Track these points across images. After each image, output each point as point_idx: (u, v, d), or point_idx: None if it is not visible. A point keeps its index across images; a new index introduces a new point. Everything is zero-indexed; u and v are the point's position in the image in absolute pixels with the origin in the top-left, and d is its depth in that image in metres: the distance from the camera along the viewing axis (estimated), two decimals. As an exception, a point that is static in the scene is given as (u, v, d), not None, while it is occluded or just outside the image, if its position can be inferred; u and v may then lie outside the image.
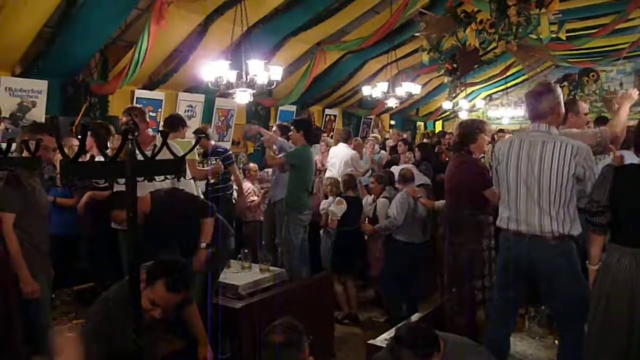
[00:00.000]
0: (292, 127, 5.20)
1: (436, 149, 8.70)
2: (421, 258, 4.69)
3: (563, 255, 2.65)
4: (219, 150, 5.42)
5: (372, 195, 5.18)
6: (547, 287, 2.71)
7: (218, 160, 5.20)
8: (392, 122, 13.56)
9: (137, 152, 1.66)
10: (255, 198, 5.95)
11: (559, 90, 2.87)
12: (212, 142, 5.56)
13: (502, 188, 2.86)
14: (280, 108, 9.60)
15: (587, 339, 2.59)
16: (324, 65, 8.64)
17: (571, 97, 12.06)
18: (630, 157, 2.72)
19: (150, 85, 7.23)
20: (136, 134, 1.66)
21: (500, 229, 2.90)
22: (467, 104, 12.37)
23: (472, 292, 3.41)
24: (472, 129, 3.62)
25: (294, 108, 9.97)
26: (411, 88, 8.53)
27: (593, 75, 11.92)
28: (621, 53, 10.90)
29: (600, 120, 6.23)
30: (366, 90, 8.70)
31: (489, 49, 7.14)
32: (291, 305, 3.92)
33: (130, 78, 6.16)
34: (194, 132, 5.64)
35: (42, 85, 5.91)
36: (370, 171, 6.80)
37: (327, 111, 11.20)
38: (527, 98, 2.87)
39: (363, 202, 5.26)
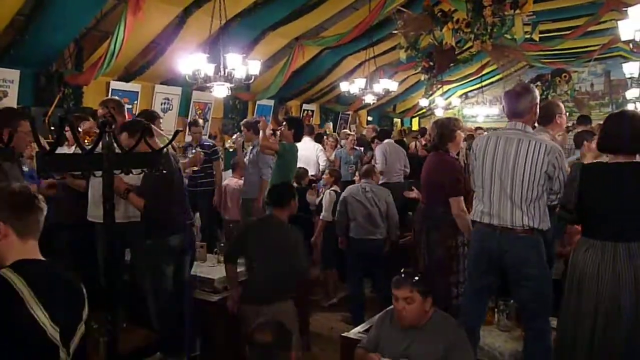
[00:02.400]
0: (283, 124, 5.25)
1: (412, 145, 8.83)
2: (372, 254, 4.81)
3: (531, 247, 2.78)
4: (206, 144, 5.47)
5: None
6: (515, 278, 2.82)
7: (198, 150, 5.24)
8: (370, 119, 13.65)
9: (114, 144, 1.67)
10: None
11: (537, 91, 2.99)
12: (203, 136, 5.60)
13: (478, 182, 2.97)
14: (258, 102, 9.57)
15: (559, 330, 2.72)
16: (302, 61, 8.64)
17: (544, 97, 12.35)
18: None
19: (126, 77, 7.13)
20: (113, 126, 1.66)
21: (474, 222, 3.01)
22: (443, 102, 12.55)
23: (448, 288, 3.51)
24: (449, 128, 3.71)
25: (272, 102, 9.95)
26: (388, 85, 8.62)
27: (565, 76, 12.21)
28: (592, 54, 11.21)
29: (582, 119, 6.35)
30: (344, 86, 8.75)
31: (464, 48, 7.27)
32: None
33: (106, 69, 6.06)
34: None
35: (14, 74, 5.76)
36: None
37: (305, 106, 11.21)
38: (506, 97, 2.96)
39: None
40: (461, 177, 3.63)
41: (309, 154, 6.66)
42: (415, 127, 16.22)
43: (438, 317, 2.56)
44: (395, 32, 6.98)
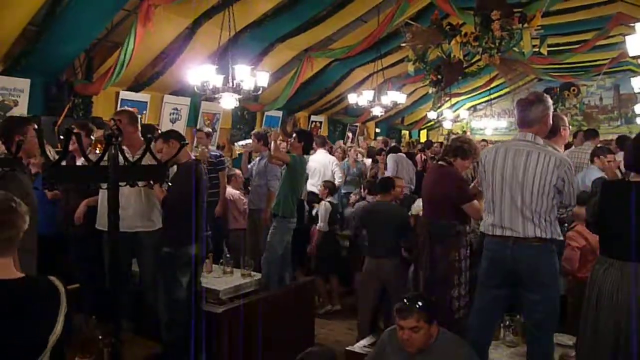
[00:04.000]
0: (293, 136, 5.26)
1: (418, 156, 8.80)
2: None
3: (545, 256, 2.75)
4: (213, 154, 5.55)
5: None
6: (527, 287, 2.78)
7: (203, 148, 5.34)
8: (378, 130, 13.67)
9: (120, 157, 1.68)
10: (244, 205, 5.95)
11: (550, 101, 2.94)
12: (211, 146, 5.67)
13: (487, 194, 2.94)
14: (266, 113, 9.62)
15: (578, 347, 2.68)
16: (310, 72, 8.69)
17: (554, 109, 12.30)
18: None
19: (135, 87, 7.20)
20: (120, 139, 1.66)
21: (484, 235, 2.97)
22: (451, 114, 12.53)
23: (450, 301, 3.47)
24: (464, 149, 3.72)
25: (280, 113, 10.00)
26: (396, 97, 8.62)
27: (574, 90, 12.18)
28: (601, 68, 11.17)
29: (590, 133, 6.29)
30: (352, 98, 8.77)
31: (472, 61, 7.27)
32: (272, 311, 3.94)
33: (115, 79, 6.13)
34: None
35: (24, 83, 5.84)
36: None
37: (313, 117, 11.24)
38: (517, 105, 2.91)
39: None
40: (466, 185, 3.61)
41: (324, 166, 6.64)
42: (423, 139, 16.21)
43: (445, 338, 2.52)
44: (404, 45, 7.00)
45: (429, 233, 3.70)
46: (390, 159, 7.00)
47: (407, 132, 15.36)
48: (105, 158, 1.62)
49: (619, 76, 13.33)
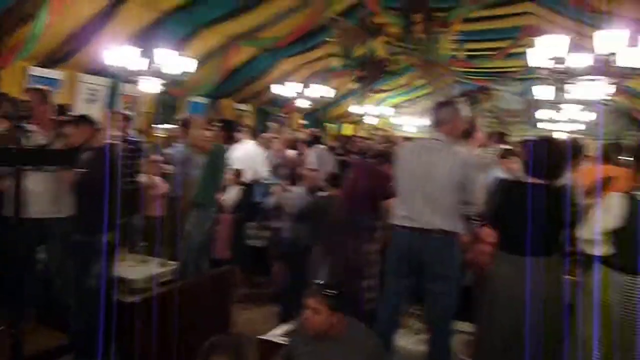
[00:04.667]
0: (217, 124, 5.17)
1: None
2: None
3: (447, 248, 2.96)
4: (131, 139, 5.32)
5: None
6: (429, 277, 2.97)
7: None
8: (304, 122, 13.74)
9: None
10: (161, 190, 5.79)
11: (461, 105, 3.18)
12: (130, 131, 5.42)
13: (400, 189, 3.12)
14: (190, 99, 9.38)
15: (476, 335, 2.90)
16: (237, 61, 8.58)
17: (471, 111, 13.01)
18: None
19: (47, 63, 6.75)
20: (27, 119, 1.59)
21: (394, 226, 3.14)
22: (375, 110, 12.85)
23: (361, 293, 3.63)
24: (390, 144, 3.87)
25: (205, 100, 9.79)
26: (322, 90, 8.73)
27: (488, 93, 12.94)
28: (513, 75, 11.98)
29: (498, 136, 6.72)
30: (278, 89, 8.78)
31: (395, 60, 7.53)
32: (188, 300, 3.89)
33: (26, 53, 5.72)
34: None
35: None
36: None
37: (239, 106, 11.10)
38: (432, 107, 3.19)
39: None
40: (388, 181, 3.77)
41: (252, 158, 6.55)
42: (347, 132, 16.51)
43: (355, 329, 2.61)
44: (331, 40, 7.11)
45: (347, 226, 3.83)
46: (312, 152, 7.08)
47: (333, 125, 15.57)
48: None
49: (528, 83, 14.31)
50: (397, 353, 3.28)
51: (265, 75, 10.15)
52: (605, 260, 2.49)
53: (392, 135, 15.43)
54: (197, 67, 6.69)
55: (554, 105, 8.07)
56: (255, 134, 7.01)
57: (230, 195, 5.60)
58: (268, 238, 5.85)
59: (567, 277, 2.80)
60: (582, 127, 11.19)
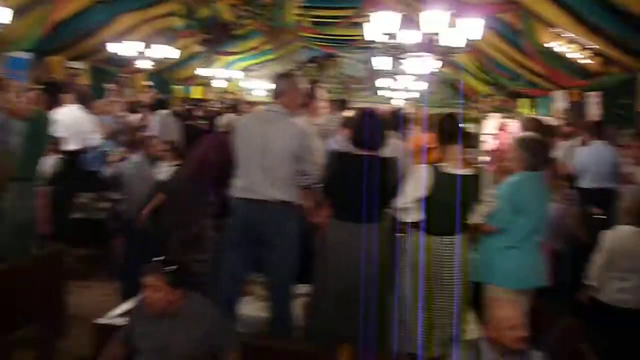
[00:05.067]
0: (39, 87, 4.53)
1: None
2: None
3: (285, 219, 3.05)
4: None
5: None
6: (268, 247, 3.06)
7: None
8: (148, 83, 12.90)
9: None
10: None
11: (299, 77, 3.24)
12: None
13: (239, 160, 3.11)
14: (9, 54, 8.17)
15: (310, 301, 3.06)
16: (64, 12, 7.64)
17: (317, 77, 13.39)
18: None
19: None
20: None
21: (235, 198, 3.14)
22: (224, 73, 12.56)
23: (200, 263, 3.62)
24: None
25: (28, 56, 8.60)
26: (166, 51, 8.24)
27: (334, 60, 13.41)
28: (357, 43, 12.53)
29: (339, 104, 6.99)
30: (116, 47, 8.07)
31: (242, 23, 7.37)
32: (11, 285, 3.50)
33: None
34: None
35: None
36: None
37: (72, 64, 9.98)
38: (273, 79, 3.20)
39: None
40: None
41: (78, 124, 5.83)
42: (196, 95, 15.93)
43: (193, 302, 2.58)
44: (174, -3, 6.68)
45: (187, 194, 3.74)
46: (154, 117, 6.71)
47: (181, 87, 14.89)
48: None
49: (371, 52, 15.12)
50: (241, 321, 3.34)
51: (101, 31, 9.22)
52: (416, 225, 2.80)
53: (240, 99, 15.32)
54: (15, 18, 5.83)
55: (391, 74, 8.65)
56: (87, 96, 6.35)
57: (47, 165, 5.03)
58: (105, 210, 5.48)
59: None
60: (416, 95, 12.25)
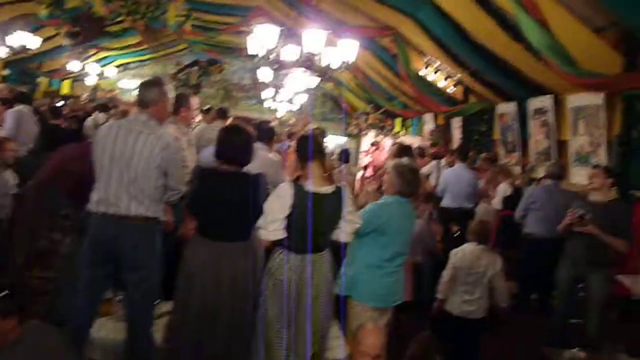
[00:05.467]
0: None
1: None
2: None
3: (145, 235, 2.87)
4: None
5: None
6: (127, 265, 2.85)
7: None
8: (6, 73, 11.54)
9: None
10: None
11: (169, 86, 3.06)
12: None
13: (97, 171, 2.88)
14: None
15: (173, 314, 2.89)
16: None
17: (199, 81, 13.03)
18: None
19: None
20: None
21: (90, 213, 2.90)
22: (97, 69, 11.69)
23: (44, 283, 3.29)
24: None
25: None
26: (27, 39, 7.44)
27: (219, 66, 13.17)
28: (242, 51, 12.43)
29: (219, 113, 6.80)
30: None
31: (116, 20, 6.91)
32: None
33: None
34: None
35: None
36: None
37: None
38: (139, 86, 2.98)
39: None
40: None
41: None
42: (66, 90, 14.63)
43: (34, 331, 2.30)
44: (37, -18, 6.05)
45: (39, 203, 3.37)
46: (11, 114, 5.99)
47: (47, 79, 13.55)
48: None
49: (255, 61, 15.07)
50: (94, 344, 3.08)
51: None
52: (280, 244, 2.79)
53: (115, 98, 14.38)
54: None
55: (274, 86, 8.70)
56: None
57: None
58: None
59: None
60: (297, 107, 12.46)
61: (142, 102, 2.91)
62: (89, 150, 3.30)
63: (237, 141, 2.92)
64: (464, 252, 3.90)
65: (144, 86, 2.93)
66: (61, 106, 8.61)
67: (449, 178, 6.33)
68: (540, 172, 6.47)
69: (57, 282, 3.31)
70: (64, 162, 3.46)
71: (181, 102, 3.89)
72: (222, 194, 2.83)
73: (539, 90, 6.35)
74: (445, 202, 6.29)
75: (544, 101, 6.32)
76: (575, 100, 5.65)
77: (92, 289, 2.92)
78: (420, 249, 4.71)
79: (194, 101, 4.12)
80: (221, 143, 2.94)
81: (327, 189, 2.82)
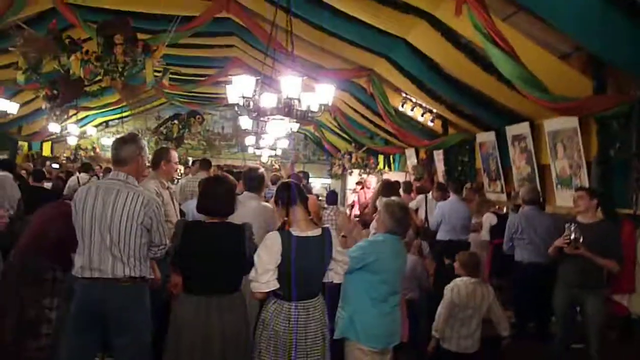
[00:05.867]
0: None
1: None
2: None
3: (134, 296, 2.78)
4: None
5: None
6: (116, 327, 2.75)
7: None
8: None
9: None
10: None
11: (144, 142, 3.04)
12: None
13: (78, 235, 2.81)
14: None
15: None
16: None
17: (180, 134, 13.09)
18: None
19: None
20: None
21: (76, 279, 2.81)
22: (77, 129, 11.71)
23: (35, 353, 3.16)
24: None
25: None
26: (5, 105, 7.46)
27: (199, 118, 13.28)
28: (222, 101, 12.60)
29: (203, 164, 6.80)
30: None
31: (94, 80, 6.97)
32: None
33: None
34: None
35: None
36: None
37: None
38: (112, 144, 2.95)
39: None
40: None
41: None
42: (46, 152, 14.60)
43: None
44: (13, 49, 6.10)
45: (23, 271, 3.27)
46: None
47: (26, 143, 13.53)
48: None
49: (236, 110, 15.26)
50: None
51: None
52: (274, 293, 2.73)
53: (97, 157, 14.36)
54: None
55: (255, 133, 8.75)
56: None
57: None
58: None
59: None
60: (279, 152, 12.54)
61: (118, 160, 2.87)
62: (66, 209, 3.25)
63: (219, 192, 2.89)
64: (459, 287, 3.85)
65: (118, 144, 2.90)
66: (42, 169, 8.53)
67: (445, 211, 6.27)
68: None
69: (49, 350, 3.18)
70: (43, 225, 3.38)
71: (161, 155, 3.87)
72: (208, 246, 2.78)
73: (516, 117, 6.48)
74: (441, 235, 6.23)
75: (522, 128, 6.45)
76: (552, 125, 5.77)
77: (80, 356, 2.81)
78: (414, 286, 4.65)
79: (174, 154, 4.09)
80: (203, 195, 2.91)
81: (314, 232, 2.79)
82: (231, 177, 3.23)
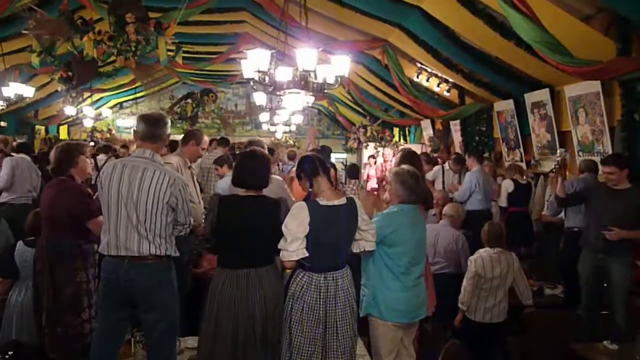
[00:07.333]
0: None
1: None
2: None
3: (160, 274, 2.80)
4: None
5: None
6: (144, 306, 2.78)
7: None
8: (3, 124, 11.64)
9: None
10: None
11: (167, 118, 3.03)
12: None
13: (104, 212, 2.83)
14: None
15: (200, 347, 2.82)
16: None
17: (193, 114, 13.09)
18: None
19: None
20: None
21: (102, 256, 2.85)
22: (93, 112, 11.76)
23: (81, 325, 3.23)
24: (70, 153, 3.41)
25: None
26: (22, 89, 7.49)
27: (212, 96, 13.23)
28: (234, 78, 12.52)
29: (222, 141, 6.79)
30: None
31: (108, 61, 6.94)
32: None
33: None
34: None
35: None
36: None
37: None
38: (142, 120, 2.90)
39: None
40: (90, 200, 3.38)
41: None
42: (63, 135, 14.71)
43: None
44: (26, 32, 6.08)
45: (50, 255, 3.31)
46: (7, 163, 5.97)
47: (44, 127, 13.65)
48: None
49: (249, 86, 15.17)
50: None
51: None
52: (302, 265, 2.74)
53: (114, 139, 14.44)
54: None
55: (270, 109, 8.71)
56: None
57: None
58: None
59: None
60: (294, 127, 12.50)
61: (150, 136, 2.85)
62: (65, 184, 3.32)
63: (255, 165, 2.87)
64: (483, 258, 3.83)
65: (150, 121, 2.87)
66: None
67: (479, 179, 6.22)
68: (546, 167, 6.43)
69: (91, 322, 3.25)
70: (50, 206, 3.38)
71: (193, 136, 3.93)
72: (244, 218, 2.78)
73: (535, 84, 6.34)
74: (472, 205, 6.15)
75: (541, 95, 6.32)
76: (573, 90, 5.64)
77: (110, 334, 2.85)
78: (453, 261, 4.56)
79: (205, 139, 4.08)
80: (239, 168, 2.90)
81: (340, 200, 2.78)
82: (265, 152, 3.21)
